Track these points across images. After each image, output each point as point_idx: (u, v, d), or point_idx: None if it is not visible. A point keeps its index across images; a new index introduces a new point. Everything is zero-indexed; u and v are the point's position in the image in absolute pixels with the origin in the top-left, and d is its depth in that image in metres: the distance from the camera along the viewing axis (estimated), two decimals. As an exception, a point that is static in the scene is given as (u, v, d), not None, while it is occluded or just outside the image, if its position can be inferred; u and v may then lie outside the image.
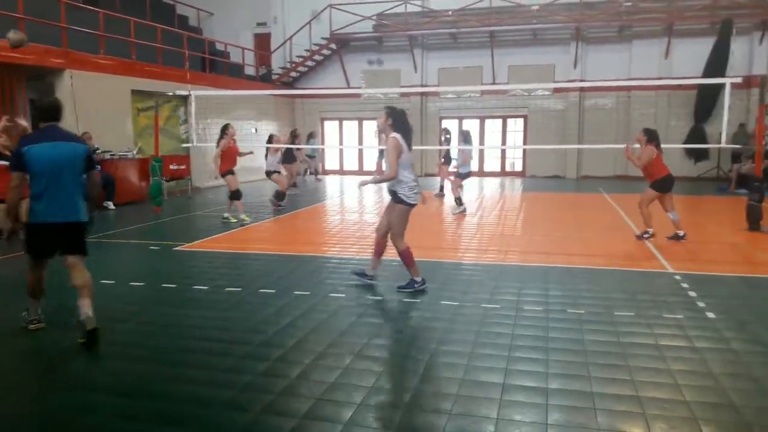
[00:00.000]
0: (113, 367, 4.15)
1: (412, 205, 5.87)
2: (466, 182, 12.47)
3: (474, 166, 14.53)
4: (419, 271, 5.99)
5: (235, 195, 10.40)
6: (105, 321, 5.21)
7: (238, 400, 3.60)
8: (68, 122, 12.39)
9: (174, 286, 6.30)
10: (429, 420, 3.35)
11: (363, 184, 6.23)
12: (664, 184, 8.63)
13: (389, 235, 6.00)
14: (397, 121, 5.88)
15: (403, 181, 5.79)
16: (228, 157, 10.50)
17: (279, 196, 12.17)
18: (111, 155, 13.01)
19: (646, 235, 8.70)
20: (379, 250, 6.19)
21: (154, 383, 3.85)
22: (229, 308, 5.48)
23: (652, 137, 8.67)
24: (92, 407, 3.55)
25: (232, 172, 10.47)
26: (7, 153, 7.02)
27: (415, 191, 5.83)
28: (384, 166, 5.96)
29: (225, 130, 10.55)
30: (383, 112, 5.96)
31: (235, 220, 10.36)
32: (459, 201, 11.64)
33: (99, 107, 13.12)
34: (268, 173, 12.17)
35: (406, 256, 5.94)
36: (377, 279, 6.36)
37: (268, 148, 12.44)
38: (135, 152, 13.76)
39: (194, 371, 4.02)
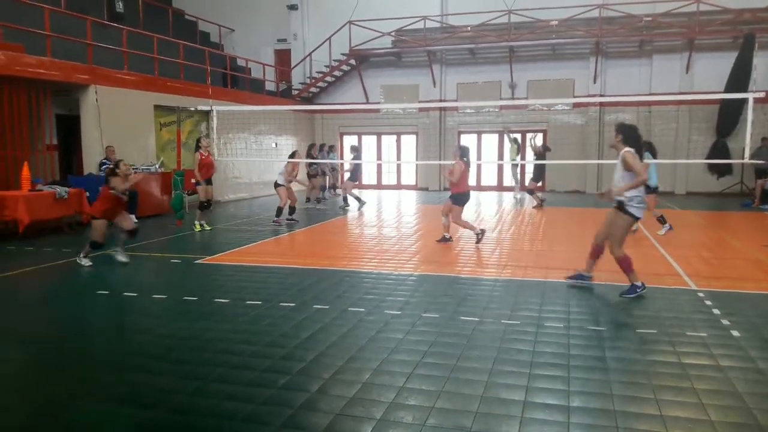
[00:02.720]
0: (135, 379, 4.18)
1: (637, 218, 6.22)
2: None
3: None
4: (637, 276, 6.29)
5: (201, 205, 11.32)
6: (128, 333, 5.29)
7: (259, 414, 3.62)
8: (93, 136, 12.69)
9: (195, 299, 6.36)
10: (449, 437, 3.34)
11: (614, 194, 6.20)
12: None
13: (607, 243, 6.37)
14: (627, 136, 6.24)
15: (633, 193, 6.12)
16: (204, 168, 11.25)
17: (278, 212, 12.18)
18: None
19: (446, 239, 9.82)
20: (596, 252, 6.58)
21: (175, 396, 3.88)
22: (249, 321, 5.51)
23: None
24: (113, 418, 3.59)
25: (207, 182, 11.35)
26: None
27: (642, 205, 6.20)
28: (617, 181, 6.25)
29: (198, 143, 11.40)
30: (615, 129, 6.38)
31: (200, 229, 11.17)
32: (662, 219, 10.63)
33: (123, 121, 13.36)
34: (276, 185, 12.34)
35: (624, 264, 6.27)
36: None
37: (285, 164, 12.58)
38: (157, 166, 13.95)
39: (215, 384, 4.05)
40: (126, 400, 3.83)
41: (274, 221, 12.07)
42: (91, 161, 12.71)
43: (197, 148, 11.33)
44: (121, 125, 13.28)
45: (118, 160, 8.46)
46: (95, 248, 8.07)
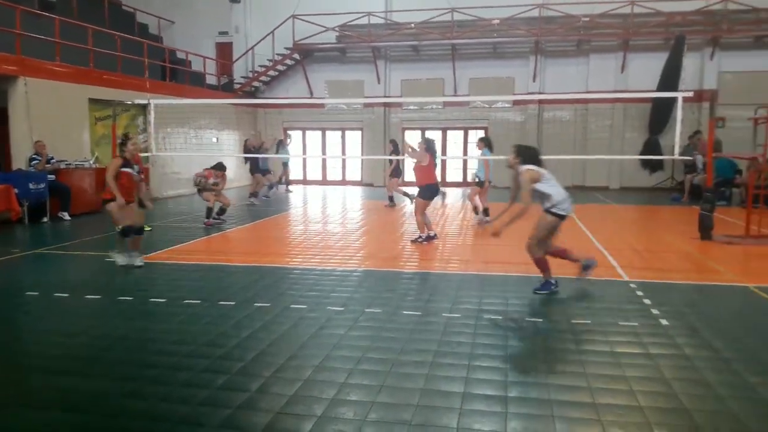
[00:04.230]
0: (66, 383, 4.03)
1: (563, 217, 6.18)
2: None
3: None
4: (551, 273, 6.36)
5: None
6: (58, 335, 5.08)
7: (195, 415, 3.54)
8: (21, 130, 12.13)
9: (131, 298, 6.17)
10: (390, 431, 3.35)
11: (496, 232, 6.34)
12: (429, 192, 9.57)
13: (528, 240, 6.35)
14: (524, 156, 6.35)
15: (553, 198, 6.14)
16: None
17: (207, 212, 11.53)
18: (67, 164, 12.70)
19: (420, 239, 9.49)
20: (561, 256, 6.48)
21: (108, 399, 3.75)
22: (187, 321, 5.39)
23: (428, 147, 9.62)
24: (43, 425, 3.45)
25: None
26: None
27: (566, 203, 6.16)
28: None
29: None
30: (513, 150, 6.48)
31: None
32: (485, 212, 11.26)
33: (54, 115, 12.83)
34: (199, 191, 11.70)
35: (540, 264, 6.32)
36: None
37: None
38: (92, 161, 13.46)
39: (151, 386, 3.94)
40: (56, 405, 3.69)
41: (204, 223, 11.47)
42: (20, 156, 12.14)
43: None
44: (52, 119, 12.74)
45: (126, 136, 8.00)
46: (127, 235, 7.50)
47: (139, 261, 7.68)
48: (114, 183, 7.52)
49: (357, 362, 4.36)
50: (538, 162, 6.35)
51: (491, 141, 11.60)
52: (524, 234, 6.53)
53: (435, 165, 9.75)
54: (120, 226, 7.60)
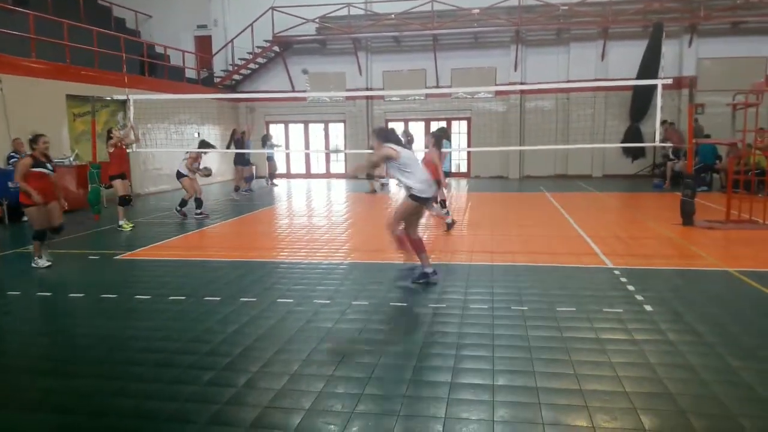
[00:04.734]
0: (52, 383, 3.99)
1: (421, 199, 6.13)
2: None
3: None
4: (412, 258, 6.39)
5: (122, 200, 10.55)
6: (42, 335, 5.02)
7: (183, 411, 3.52)
8: (-2, 129, 11.92)
9: (115, 296, 6.11)
10: (378, 422, 3.36)
11: (358, 171, 7.23)
12: None
13: (387, 219, 6.42)
14: (385, 137, 6.37)
15: (412, 179, 6.12)
16: (117, 161, 10.57)
17: (182, 202, 11.58)
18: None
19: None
20: (418, 247, 6.39)
21: (95, 398, 3.72)
22: (172, 318, 5.35)
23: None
24: (28, 427, 3.41)
25: (121, 177, 10.61)
26: None
27: (423, 186, 6.13)
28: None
29: (110, 134, 10.67)
30: (373, 136, 6.57)
31: (128, 228, 10.34)
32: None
33: (32, 112, 12.63)
34: (179, 175, 11.65)
35: (400, 243, 6.32)
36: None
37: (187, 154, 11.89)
38: (72, 159, 13.29)
39: (137, 384, 3.91)
40: (43, 406, 3.65)
41: (176, 210, 11.43)
42: (-2, 155, 11.97)
43: (109, 138, 10.64)
44: (30, 116, 12.53)
45: (37, 135, 7.66)
46: (41, 238, 7.43)
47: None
48: (25, 184, 7.24)
49: (344, 355, 4.36)
50: (399, 143, 6.39)
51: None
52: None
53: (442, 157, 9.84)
54: (35, 229, 7.45)
